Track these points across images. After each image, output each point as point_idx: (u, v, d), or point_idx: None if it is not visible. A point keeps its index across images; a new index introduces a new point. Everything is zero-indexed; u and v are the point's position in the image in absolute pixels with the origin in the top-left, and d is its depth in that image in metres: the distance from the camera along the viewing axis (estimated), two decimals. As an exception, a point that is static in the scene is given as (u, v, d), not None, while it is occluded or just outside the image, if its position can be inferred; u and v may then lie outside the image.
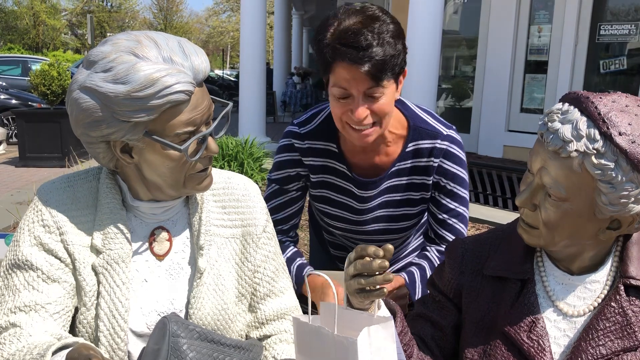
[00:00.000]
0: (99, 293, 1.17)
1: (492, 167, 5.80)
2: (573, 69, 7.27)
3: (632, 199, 0.99)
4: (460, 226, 1.71)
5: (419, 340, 1.25)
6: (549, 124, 1.03)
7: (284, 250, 1.73)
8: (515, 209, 5.54)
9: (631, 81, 6.99)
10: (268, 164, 6.42)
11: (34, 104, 10.67)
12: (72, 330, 1.19)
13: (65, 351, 0.96)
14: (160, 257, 1.24)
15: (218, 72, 29.96)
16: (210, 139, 1.16)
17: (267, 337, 1.34)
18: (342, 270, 1.79)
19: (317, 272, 1.20)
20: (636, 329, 1.07)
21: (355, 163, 1.70)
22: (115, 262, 1.18)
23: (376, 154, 1.68)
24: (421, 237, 1.97)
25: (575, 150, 0.98)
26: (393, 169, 1.68)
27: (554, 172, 1.02)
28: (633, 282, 1.09)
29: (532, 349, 1.11)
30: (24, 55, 18.47)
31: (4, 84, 13.50)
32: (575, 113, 1.00)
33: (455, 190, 1.68)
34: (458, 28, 8.97)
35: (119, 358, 1.16)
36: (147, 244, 1.24)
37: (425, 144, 1.65)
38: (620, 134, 0.96)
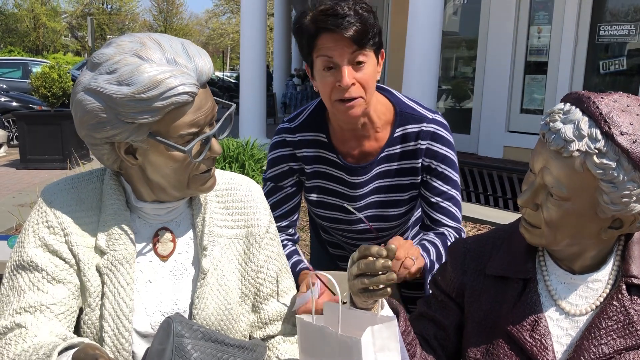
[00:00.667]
0: (103, 294, 1.18)
1: (493, 167, 5.81)
2: (573, 69, 7.27)
3: (634, 198, 0.99)
4: (454, 209, 1.71)
5: (422, 339, 1.26)
6: (551, 123, 1.03)
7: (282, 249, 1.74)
8: (516, 209, 5.55)
9: (631, 81, 7.00)
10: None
11: (35, 107, 10.69)
12: (77, 331, 1.20)
13: (72, 351, 0.96)
14: (164, 258, 1.25)
15: (218, 73, 29.97)
16: (213, 140, 1.17)
17: (270, 337, 1.35)
18: (343, 270, 1.80)
19: (321, 272, 1.21)
20: (638, 328, 1.08)
21: (345, 152, 1.73)
22: (120, 263, 1.18)
23: (365, 139, 1.71)
24: (418, 233, 1.98)
25: (577, 150, 0.99)
26: (382, 154, 1.71)
27: (555, 171, 1.02)
28: (635, 281, 1.10)
29: (535, 348, 1.12)
30: (24, 58, 18.50)
31: (4, 86, 13.52)
32: (576, 113, 1.01)
33: (446, 172, 1.70)
34: (458, 29, 8.98)
35: (123, 358, 1.17)
36: (151, 244, 1.24)
37: (412, 128, 1.68)
38: (621, 133, 0.96)
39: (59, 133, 8.50)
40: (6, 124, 11.14)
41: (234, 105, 1.23)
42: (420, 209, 1.90)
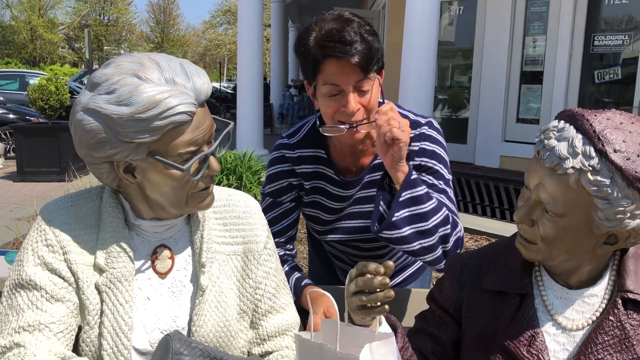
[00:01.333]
0: (102, 312, 1.18)
1: (489, 178, 5.83)
2: (568, 79, 7.32)
3: (628, 214, 1.00)
4: (447, 202, 1.64)
5: (420, 355, 1.26)
6: (545, 141, 1.05)
7: (282, 264, 1.74)
8: (513, 220, 5.55)
9: (626, 90, 7.04)
10: (266, 176, 6.41)
11: (32, 119, 10.70)
12: (76, 349, 1.20)
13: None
14: (162, 275, 1.25)
15: (215, 84, 30.04)
16: (212, 158, 1.18)
17: (268, 353, 1.35)
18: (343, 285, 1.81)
19: (318, 288, 1.21)
20: (634, 343, 1.09)
21: (345, 167, 1.74)
22: (118, 281, 1.19)
23: (364, 154, 1.72)
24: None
25: (572, 167, 1.00)
26: (374, 162, 1.71)
27: (551, 188, 1.04)
28: (630, 295, 1.11)
29: (532, 363, 1.12)
30: (21, 70, 18.51)
31: (1, 98, 13.54)
32: (570, 130, 1.02)
33: (435, 167, 1.68)
34: (454, 39, 9.04)
35: (122, 376, 1.17)
36: (149, 262, 1.25)
37: None
38: (615, 151, 0.98)
39: (56, 145, 8.51)
40: (3, 136, 11.14)
41: (232, 124, 1.24)
42: None
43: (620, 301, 1.11)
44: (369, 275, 1.05)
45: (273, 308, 1.36)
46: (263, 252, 1.35)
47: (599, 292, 1.15)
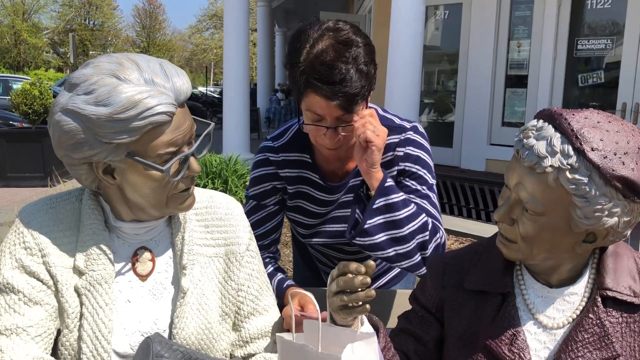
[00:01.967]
0: (81, 315, 1.17)
1: (475, 181, 5.86)
2: (552, 82, 7.39)
3: (606, 212, 1.01)
4: (429, 207, 1.63)
5: (402, 355, 1.26)
6: (524, 140, 1.05)
7: (264, 267, 1.73)
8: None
9: (610, 94, 7.12)
10: (252, 180, 6.39)
11: (16, 124, 10.58)
12: (55, 353, 1.19)
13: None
14: (143, 278, 1.24)
15: (202, 89, 29.97)
16: (192, 159, 1.17)
17: (251, 355, 1.34)
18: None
19: (301, 289, 1.21)
20: (613, 340, 1.09)
21: (330, 171, 1.73)
22: (98, 283, 1.18)
23: (349, 159, 1.71)
24: None
25: (550, 166, 1.01)
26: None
27: (530, 187, 1.04)
28: (610, 293, 1.12)
29: (514, 362, 1.13)
30: (5, 75, 18.36)
31: (-16, 103, 13.38)
32: (549, 129, 1.03)
33: (419, 172, 1.67)
34: (439, 43, 9.09)
35: (102, 380, 1.16)
36: (129, 264, 1.24)
37: (392, 139, 1.67)
38: (592, 149, 0.98)
39: (40, 150, 8.43)
40: (-14, 141, 11.00)
41: (212, 124, 1.23)
42: None
43: (599, 299, 1.12)
44: (350, 275, 1.05)
45: (256, 310, 1.35)
46: (245, 254, 1.34)
47: (579, 291, 1.15)
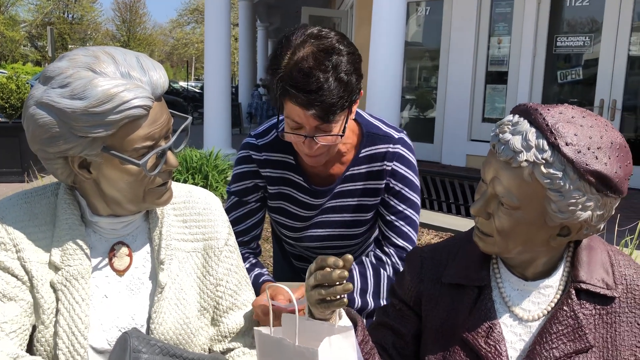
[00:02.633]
0: (57, 310, 1.16)
1: (455, 176, 5.91)
2: (532, 79, 7.47)
3: (580, 206, 1.03)
4: (407, 229, 1.70)
5: (381, 348, 1.27)
6: (500, 135, 1.06)
7: (244, 262, 1.73)
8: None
9: (588, 90, 7.22)
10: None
11: (-8, 118, 10.41)
12: (30, 349, 1.17)
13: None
14: (120, 273, 1.23)
15: (183, 83, 29.74)
16: (169, 153, 1.16)
17: (230, 350, 1.34)
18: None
19: (277, 283, 1.21)
20: (587, 332, 1.11)
21: (313, 173, 1.72)
22: (75, 279, 1.16)
23: (332, 163, 1.71)
24: None
25: (526, 161, 1.02)
26: (347, 173, 1.70)
27: (506, 181, 1.05)
28: (583, 286, 1.13)
29: (490, 354, 1.14)
30: (-19, 68, 18.01)
31: (-40, 97, 13.12)
32: (524, 124, 1.04)
33: (403, 192, 1.69)
34: (421, 40, 9.13)
35: (78, 376, 1.15)
36: (106, 259, 1.23)
37: (379, 148, 1.68)
38: (567, 144, 1.00)
39: (17, 145, 8.29)
40: (-38, 136, 10.81)
41: (190, 118, 1.23)
42: None
43: (573, 291, 1.14)
44: (328, 269, 1.05)
45: (234, 305, 1.35)
46: (224, 249, 1.34)
47: (554, 284, 1.17)
